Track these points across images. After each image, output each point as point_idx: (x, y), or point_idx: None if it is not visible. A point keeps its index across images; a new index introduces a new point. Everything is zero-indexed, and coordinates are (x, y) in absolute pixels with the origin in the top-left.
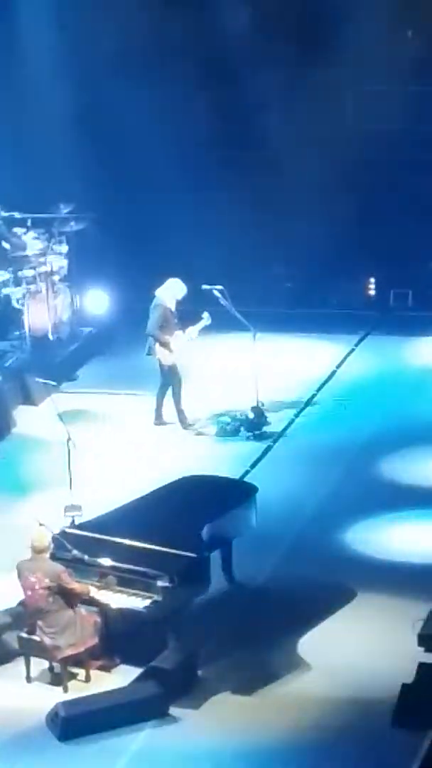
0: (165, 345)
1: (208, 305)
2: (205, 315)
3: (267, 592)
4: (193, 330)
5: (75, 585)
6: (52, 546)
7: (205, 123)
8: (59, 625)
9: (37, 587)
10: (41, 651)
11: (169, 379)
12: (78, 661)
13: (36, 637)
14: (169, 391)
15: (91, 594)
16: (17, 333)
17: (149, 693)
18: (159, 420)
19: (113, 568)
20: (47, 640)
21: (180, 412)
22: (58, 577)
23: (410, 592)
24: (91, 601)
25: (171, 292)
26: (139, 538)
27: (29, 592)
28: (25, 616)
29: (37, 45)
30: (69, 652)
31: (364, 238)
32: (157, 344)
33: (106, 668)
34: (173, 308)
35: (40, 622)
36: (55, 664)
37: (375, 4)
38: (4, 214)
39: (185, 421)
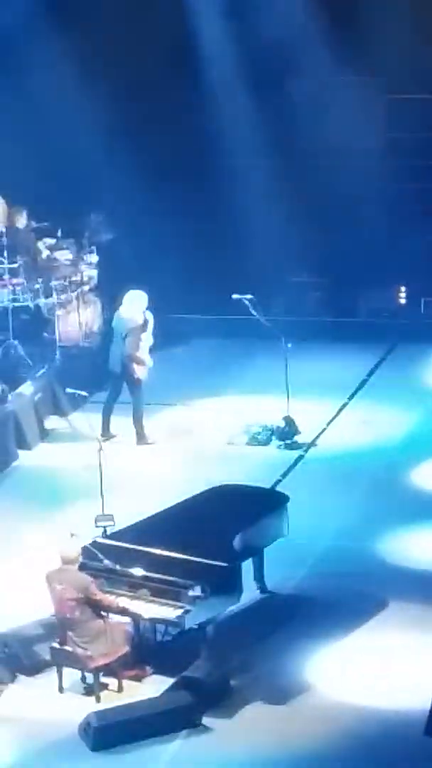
0: (141, 364)
1: (238, 314)
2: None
3: (299, 601)
4: (148, 336)
5: (102, 597)
6: (80, 557)
7: (235, 132)
8: (90, 635)
9: (65, 598)
10: (73, 661)
11: (139, 392)
12: (110, 670)
13: (68, 647)
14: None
15: (122, 604)
16: (48, 343)
17: (182, 703)
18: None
19: (145, 578)
20: (79, 650)
21: (142, 426)
22: (85, 588)
23: None
24: (122, 611)
25: (137, 306)
26: (171, 547)
27: (58, 603)
28: (56, 626)
29: (68, 53)
30: (101, 661)
31: (395, 246)
32: (135, 365)
33: (138, 678)
34: (141, 322)
35: (70, 633)
36: (87, 674)
37: (405, 13)
38: (35, 224)
39: (144, 438)
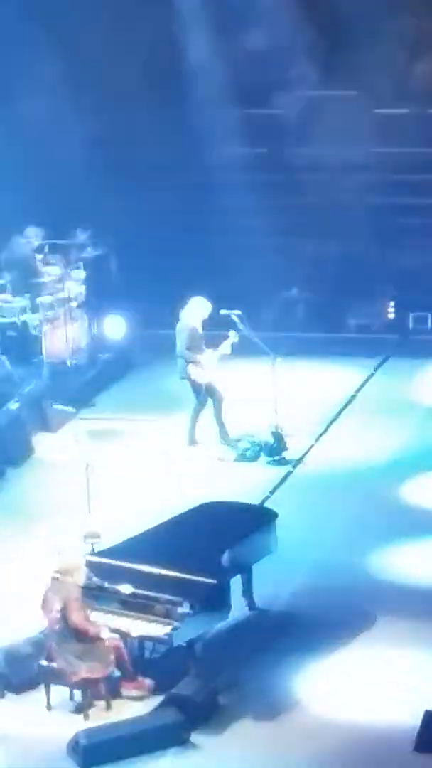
0: (197, 364)
1: (225, 330)
2: (232, 333)
3: (288, 617)
4: (225, 346)
5: (76, 617)
6: (75, 570)
7: (222, 146)
8: (77, 650)
9: (52, 609)
10: (59, 676)
11: (206, 398)
12: (96, 691)
13: (54, 664)
14: (205, 411)
15: (97, 629)
16: (35, 359)
17: (170, 720)
18: (192, 441)
19: (133, 594)
20: (64, 665)
21: (222, 426)
22: (68, 602)
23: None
24: (95, 636)
25: (196, 311)
26: (159, 564)
27: (47, 613)
28: (44, 644)
29: (55, 69)
30: (84, 675)
31: (384, 261)
32: (189, 365)
33: (139, 690)
34: (200, 327)
35: (56, 646)
36: (75, 691)
37: (392, 28)
38: (23, 240)
39: (227, 437)
